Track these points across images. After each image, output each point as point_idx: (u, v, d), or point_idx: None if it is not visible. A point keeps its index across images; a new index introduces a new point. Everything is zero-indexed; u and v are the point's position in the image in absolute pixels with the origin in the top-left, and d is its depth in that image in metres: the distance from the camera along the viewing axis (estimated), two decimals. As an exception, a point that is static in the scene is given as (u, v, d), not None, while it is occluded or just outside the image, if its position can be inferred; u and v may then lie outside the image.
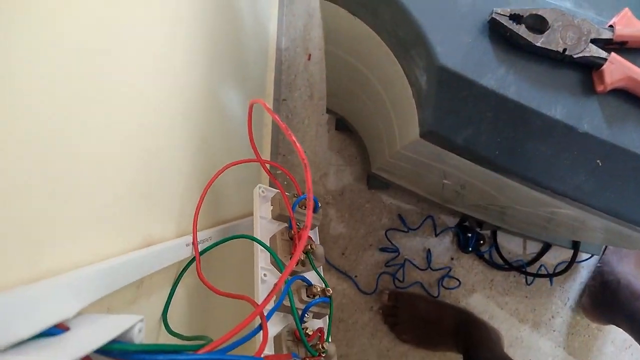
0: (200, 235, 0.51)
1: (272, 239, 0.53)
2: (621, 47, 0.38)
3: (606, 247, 1.06)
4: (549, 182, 0.41)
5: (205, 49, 0.54)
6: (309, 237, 0.55)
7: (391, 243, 1.09)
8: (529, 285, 1.08)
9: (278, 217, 0.55)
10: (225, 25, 0.63)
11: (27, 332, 0.22)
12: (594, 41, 0.37)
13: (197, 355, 0.28)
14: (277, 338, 0.47)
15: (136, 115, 0.38)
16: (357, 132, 1.02)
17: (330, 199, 1.11)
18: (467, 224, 1.08)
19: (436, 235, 1.09)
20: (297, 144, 0.38)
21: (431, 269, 1.09)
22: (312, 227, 0.59)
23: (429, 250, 1.09)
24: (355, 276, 1.10)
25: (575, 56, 0.37)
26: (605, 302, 0.98)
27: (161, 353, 0.27)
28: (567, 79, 0.39)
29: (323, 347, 0.46)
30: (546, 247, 1.08)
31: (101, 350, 0.25)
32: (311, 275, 0.53)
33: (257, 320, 0.40)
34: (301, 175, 1.10)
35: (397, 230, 1.10)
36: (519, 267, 1.07)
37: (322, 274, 0.54)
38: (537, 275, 1.06)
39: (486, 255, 1.09)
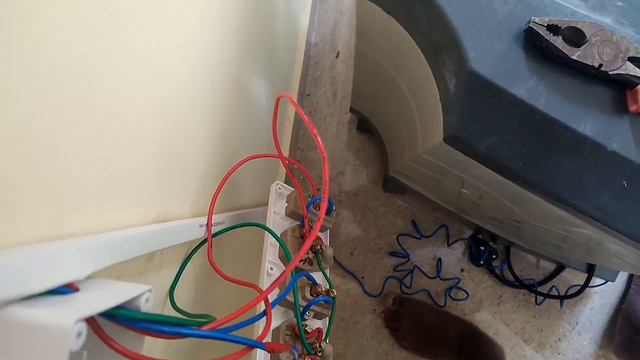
0: (214, 219, 0.52)
1: (283, 234, 0.53)
2: (659, 68, 0.37)
3: (629, 286, 1.03)
4: (572, 198, 0.40)
5: (238, 34, 0.55)
6: (319, 238, 0.55)
7: (402, 248, 1.08)
8: (538, 305, 1.06)
9: (291, 214, 0.55)
10: (259, 12, 0.63)
11: (39, 287, 0.22)
12: (632, 59, 0.36)
13: (200, 331, 0.29)
14: (276, 331, 0.47)
15: (162, 89, 0.39)
16: (378, 133, 1.02)
17: (344, 198, 1.11)
18: (481, 236, 1.07)
19: (449, 244, 1.08)
20: (319, 139, 0.38)
21: (440, 278, 1.08)
22: (324, 230, 0.58)
23: (439, 259, 1.08)
24: (362, 277, 1.09)
25: (610, 72, 0.36)
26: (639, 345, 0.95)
27: (166, 324, 0.27)
28: (599, 96, 0.38)
29: (320, 346, 0.46)
30: (560, 269, 1.06)
31: (107, 315, 0.26)
32: (317, 276, 0.53)
33: (261, 308, 0.40)
34: (317, 172, 1.10)
35: (409, 236, 1.09)
36: (530, 286, 1.06)
37: (328, 275, 0.54)
38: (547, 295, 1.04)
39: (497, 271, 1.07)
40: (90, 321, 0.26)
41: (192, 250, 0.50)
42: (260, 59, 0.68)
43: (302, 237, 0.53)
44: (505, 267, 1.07)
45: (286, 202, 0.56)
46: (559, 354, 1.06)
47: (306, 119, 0.38)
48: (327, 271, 0.56)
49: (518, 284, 1.06)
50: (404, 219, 1.10)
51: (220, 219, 0.53)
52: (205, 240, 0.50)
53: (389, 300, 1.06)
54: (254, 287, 0.42)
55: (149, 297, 0.28)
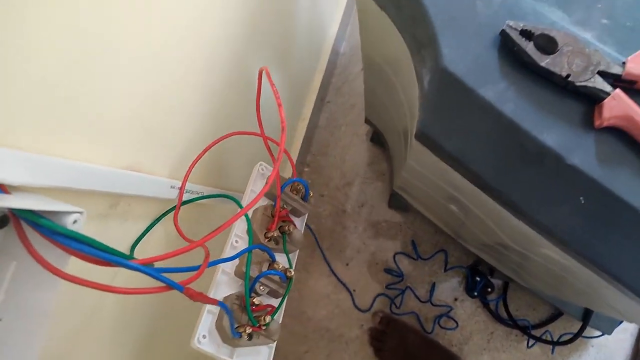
0: (192, 187, 0.54)
1: (256, 211, 0.54)
2: (631, 86, 0.36)
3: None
4: (530, 210, 0.40)
5: (245, 22, 0.57)
6: (290, 220, 0.55)
7: (397, 267, 1.07)
8: (529, 348, 1.02)
9: (267, 194, 0.56)
10: (273, 8, 0.66)
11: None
12: (602, 74, 0.36)
13: (120, 259, 0.30)
14: (227, 299, 0.48)
15: (157, 42, 0.41)
16: (388, 147, 1.02)
17: (349, 209, 1.11)
18: (479, 267, 1.04)
19: (445, 270, 1.06)
20: (282, 109, 0.39)
21: (431, 303, 1.05)
22: (298, 214, 0.59)
23: (433, 284, 1.06)
24: (354, 290, 1.08)
25: (577, 84, 0.36)
26: None
27: (87, 245, 0.29)
28: (567, 107, 0.38)
29: (264, 320, 0.47)
30: (557, 315, 1.02)
31: (32, 222, 0.28)
32: (282, 258, 0.54)
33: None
34: (324, 179, 1.11)
35: (407, 255, 1.08)
36: (524, 327, 1.02)
37: (291, 257, 0.55)
38: (540, 339, 1.00)
39: (492, 305, 1.04)
40: (17, 225, 0.28)
41: (164, 214, 0.51)
42: (272, 51, 0.70)
43: (273, 217, 0.54)
44: (501, 303, 1.04)
45: (266, 182, 0.58)
46: (545, 403, 1.01)
47: (274, 89, 0.39)
48: (296, 254, 0.56)
49: (511, 322, 1.02)
50: (404, 237, 1.09)
51: (199, 189, 0.55)
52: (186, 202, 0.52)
53: (376, 319, 1.05)
54: (202, 245, 0.43)
55: (78, 218, 0.30)
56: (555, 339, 1.00)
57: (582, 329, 0.95)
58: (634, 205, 0.36)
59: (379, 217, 1.10)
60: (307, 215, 0.61)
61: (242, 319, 0.47)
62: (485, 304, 1.04)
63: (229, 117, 0.61)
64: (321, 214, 1.11)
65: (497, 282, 1.04)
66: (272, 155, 0.55)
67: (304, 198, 0.57)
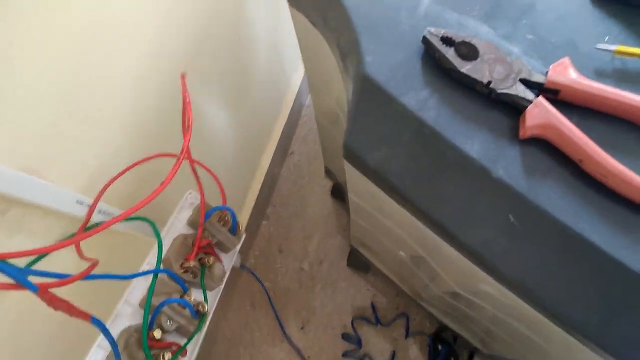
0: (108, 208, 0.49)
1: (176, 239, 0.50)
2: (555, 96, 0.34)
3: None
4: (456, 229, 0.36)
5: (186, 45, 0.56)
6: (213, 253, 0.50)
7: (355, 333, 0.99)
8: None
9: (191, 223, 0.52)
10: (233, 41, 0.66)
11: None
12: (525, 82, 0.34)
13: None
14: (125, 331, 0.42)
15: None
16: (348, 198, 0.99)
17: (307, 266, 1.05)
18: (442, 335, 0.97)
19: (406, 337, 0.98)
20: (190, 107, 0.36)
21: (391, 374, 0.97)
22: (226, 250, 0.54)
23: (393, 353, 0.98)
24: (308, 357, 0.99)
25: (499, 91, 0.34)
26: None
27: None
28: (492, 117, 0.35)
29: (163, 358, 0.40)
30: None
31: None
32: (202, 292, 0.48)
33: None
34: (286, 230, 1.06)
35: (366, 320, 1.00)
36: (491, 405, 0.92)
37: (211, 295, 0.49)
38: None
39: (456, 378, 0.95)
40: None
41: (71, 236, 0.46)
42: (227, 92, 0.69)
43: (193, 246, 0.49)
44: (466, 376, 0.95)
45: (192, 212, 0.53)
46: None
47: (186, 94, 0.37)
48: (219, 292, 0.51)
49: (477, 398, 0.93)
50: (363, 299, 1.02)
51: (115, 212, 0.50)
52: (90, 227, 0.47)
53: None
54: (91, 260, 0.38)
55: None
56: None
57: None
58: (564, 223, 0.32)
59: (339, 277, 1.04)
60: (236, 253, 0.56)
61: (139, 355, 0.41)
62: (449, 376, 0.95)
63: (161, 140, 0.57)
64: (278, 271, 1.05)
65: (461, 351, 0.96)
66: (198, 179, 0.51)
67: (232, 231, 0.53)
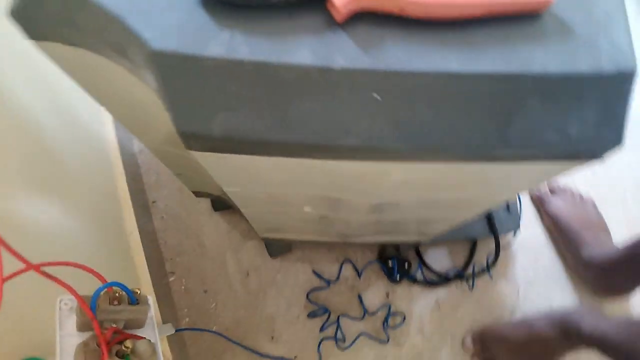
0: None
1: (76, 354, 0.42)
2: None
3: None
4: (337, 139, 0.35)
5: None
6: (129, 335, 0.44)
7: (317, 305, 0.97)
8: (472, 289, 0.99)
9: (82, 326, 0.44)
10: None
11: None
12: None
13: None
14: None
15: None
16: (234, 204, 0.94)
17: (238, 286, 1.00)
18: (386, 253, 1.00)
19: (359, 276, 1.00)
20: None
21: (369, 314, 0.97)
22: (142, 323, 0.47)
23: (359, 296, 0.99)
24: (295, 357, 0.96)
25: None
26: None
27: None
28: (302, 20, 0.34)
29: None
30: (473, 246, 1.01)
31: None
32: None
33: None
34: (198, 273, 0.99)
35: (318, 289, 0.99)
36: (456, 276, 0.99)
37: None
38: (474, 275, 0.97)
39: (419, 277, 0.99)
40: None
41: None
42: (36, 181, 0.59)
43: (99, 346, 0.42)
44: (425, 269, 1.00)
45: (76, 315, 0.45)
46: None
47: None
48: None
49: (445, 279, 0.98)
50: (305, 273, 1.00)
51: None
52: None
53: (467, 344, 0.94)
54: None
55: None
56: (486, 266, 0.99)
57: (496, 241, 0.95)
58: (425, 71, 0.33)
59: (271, 273, 1.00)
60: (153, 319, 0.49)
61: None
62: (414, 280, 0.99)
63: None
64: (215, 311, 0.98)
65: (407, 254, 1.01)
66: (58, 281, 0.43)
67: (131, 301, 0.46)
